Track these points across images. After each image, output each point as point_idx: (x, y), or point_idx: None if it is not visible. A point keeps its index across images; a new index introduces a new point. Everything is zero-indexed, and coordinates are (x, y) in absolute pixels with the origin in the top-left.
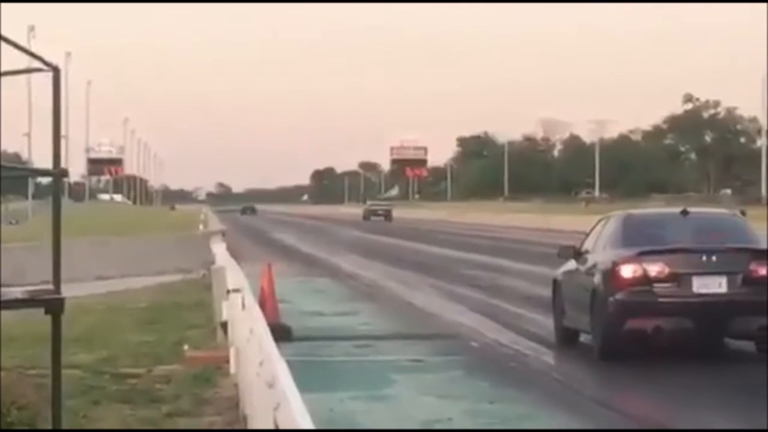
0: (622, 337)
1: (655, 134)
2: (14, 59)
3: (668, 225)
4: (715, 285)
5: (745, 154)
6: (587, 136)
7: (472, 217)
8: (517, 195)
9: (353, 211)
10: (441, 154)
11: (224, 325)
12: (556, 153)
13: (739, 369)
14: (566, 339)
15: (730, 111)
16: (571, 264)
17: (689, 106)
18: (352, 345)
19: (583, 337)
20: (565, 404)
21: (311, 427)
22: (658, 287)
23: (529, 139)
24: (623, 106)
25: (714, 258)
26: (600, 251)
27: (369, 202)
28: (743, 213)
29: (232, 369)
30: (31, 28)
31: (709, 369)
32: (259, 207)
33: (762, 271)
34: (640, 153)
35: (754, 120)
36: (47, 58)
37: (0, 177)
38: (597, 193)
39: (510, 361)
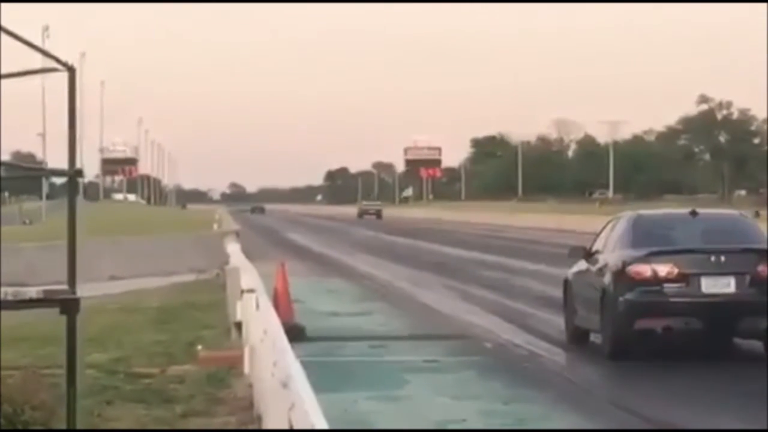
0: (632, 336)
1: (668, 135)
2: (28, 58)
3: (677, 226)
4: (724, 285)
5: (759, 155)
6: (601, 137)
7: (486, 217)
8: (531, 195)
9: None
10: (455, 154)
11: (239, 325)
12: (570, 153)
13: (747, 369)
14: (577, 338)
15: (743, 112)
16: (582, 264)
17: (704, 107)
18: (366, 345)
19: (594, 337)
20: (577, 404)
21: (325, 427)
22: (668, 287)
23: (542, 140)
24: (636, 106)
25: (722, 259)
26: (610, 252)
27: (363, 202)
28: (757, 214)
29: (247, 369)
30: (46, 28)
31: (718, 368)
32: (268, 207)
33: None
34: (653, 154)
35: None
36: (61, 58)
37: (15, 177)
38: (611, 193)
39: (523, 361)
